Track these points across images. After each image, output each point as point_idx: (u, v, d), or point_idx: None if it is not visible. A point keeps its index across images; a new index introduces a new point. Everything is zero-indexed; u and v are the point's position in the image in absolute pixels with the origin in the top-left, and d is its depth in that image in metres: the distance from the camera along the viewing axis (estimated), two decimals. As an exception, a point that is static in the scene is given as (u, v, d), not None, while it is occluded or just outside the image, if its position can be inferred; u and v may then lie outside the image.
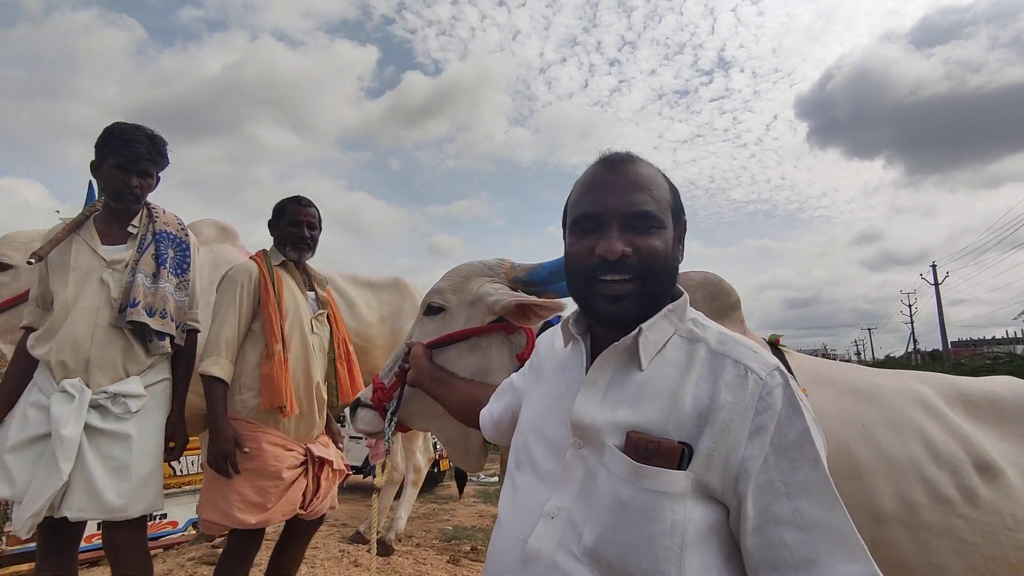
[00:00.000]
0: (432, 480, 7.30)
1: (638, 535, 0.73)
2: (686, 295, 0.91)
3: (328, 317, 2.36)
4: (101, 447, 1.81)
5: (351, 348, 2.43)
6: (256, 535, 2.15)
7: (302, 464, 2.16)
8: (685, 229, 0.93)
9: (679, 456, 0.74)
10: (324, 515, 2.34)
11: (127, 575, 1.87)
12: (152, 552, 3.62)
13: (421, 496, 6.59)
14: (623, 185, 0.87)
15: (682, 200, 0.94)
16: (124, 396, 1.86)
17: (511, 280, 1.53)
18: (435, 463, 7.11)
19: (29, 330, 1.96)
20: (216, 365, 2.04)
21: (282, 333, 2.11)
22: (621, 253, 0.83)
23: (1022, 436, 1.39)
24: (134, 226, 2.02)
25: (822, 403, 1.37)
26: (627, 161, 0.90)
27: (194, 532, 4.19)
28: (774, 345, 1.58)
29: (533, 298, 1.39)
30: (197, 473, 4.41)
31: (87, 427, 1.79)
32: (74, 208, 2.13)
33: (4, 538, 3.50)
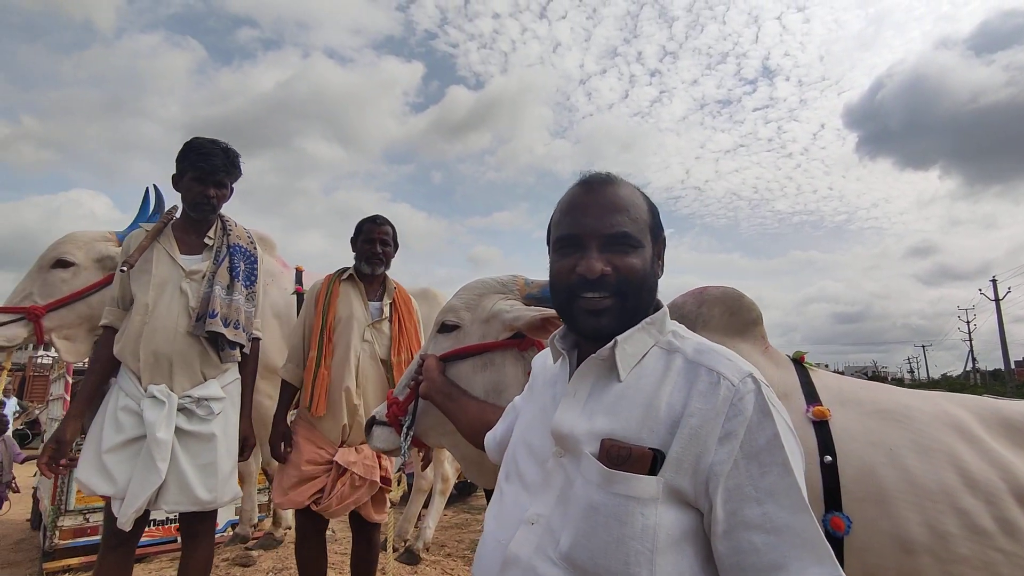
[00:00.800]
0: (465, 490, 7.30)
1: (608, 539, 0.75)
2: (665, 308, 0.94)
3: (393, 323, 2.46)
4: (189, 447, 1.97)
5: (414, 356, 2.45)
6: (309, 515, 2.37)
7: (328, 463, 2.30)
8: (664, 245, 0.97)
9: (650, 462, 0.76)
10: (377, 522, 2.46)
11: (202, 556, 2.09)
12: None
13: (454, 506, 6.62)
14: (601, 207, 0.91)
15: (662, 218, 0.98)
16: (208, 400, 2.01)
17: (524, 297, 1.53)
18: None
19: (109, 329, 2.10)
20: (283, 368, 2.46)
21: (321, 341, 2.34)
22: (601, 272, 0.87)
23: (1066, 466, 1.30)
24: (210, 237, 2.17)
25: (847, 424, 1.32)
26: (605, 183, 0.94)
27: (231, 533, 4.30)
28: (797, 362, 1.53)
29: (554, 312, 1.36)
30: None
31: (176, 429, 1.94)
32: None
33: (57, 532, 3.68)
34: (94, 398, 2.05)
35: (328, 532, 2.62)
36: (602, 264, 0.88)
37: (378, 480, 2.33)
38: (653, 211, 0.96)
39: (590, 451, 0.81)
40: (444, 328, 1.54)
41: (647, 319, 0.90)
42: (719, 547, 0.74)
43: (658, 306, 0.94)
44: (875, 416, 1.35)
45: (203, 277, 2.09)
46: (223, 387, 2.08)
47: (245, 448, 2.18)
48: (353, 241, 2.54)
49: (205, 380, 2.05)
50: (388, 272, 2.57)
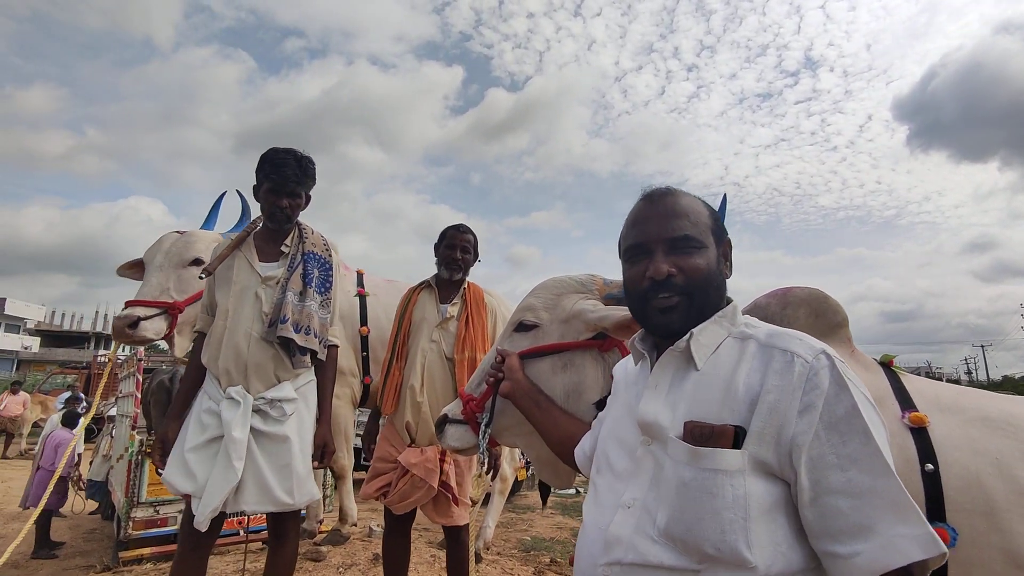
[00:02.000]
0: (511, 489, 7.33)
1: (703, 511, 0.80)
2: (735, 303, 1.00)
3: (460, 321, 2.49)
4: (265, 447, 2.00)
5: (477, 354, 2.45)
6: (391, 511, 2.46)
7: (396, 461, 2.38)
8: (730, 247, 1.04)
9: (732, 436, 0.82)
10: (460, 526, 2.49)
11: (288, 555, 2.15)
12: (254, 545, 3.88)
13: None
14: (663, 215, 0.99)
15: (724, 221, 1.06)
16: (280, 401, 2.05)
17: (604, 296, 1.49)
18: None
19: (200, 335, 2.18)
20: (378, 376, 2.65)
21: (395, 345, 2.51)
22: (667, 273, 0.95)
23: None
24: (287, 245, 2.21)
25: (948, 432, 1.27)
26: (665, 194, 1.03)
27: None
28: (886, 366, 1.47)
29: None
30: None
31: (252, 430, 1.99)
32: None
33: (131, 523, 3.86)
34: (191, 400, 2.12)
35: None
36: (668, 266, 0.95)
37: (436, 485, 2.33)
38: (714, 215, 1.02)
39: (675, 435, 0.87)
40: (522, 327, 1.51)
41: (719, 313, 0.97)
42: (807, 514, 0.78)
43: (728, 301, 1.00)
44: (977, 424, 1.29)
45: (277, 283, 2.13)
46: (296, 389, 2.11)
47: (325, 455, 2.19)
48: (436, 247, 2.62)
49: (279, 383, 2.08)
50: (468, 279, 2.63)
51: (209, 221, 3.38)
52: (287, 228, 2.24)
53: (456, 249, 2.55)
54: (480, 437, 1.43)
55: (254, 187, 2.20)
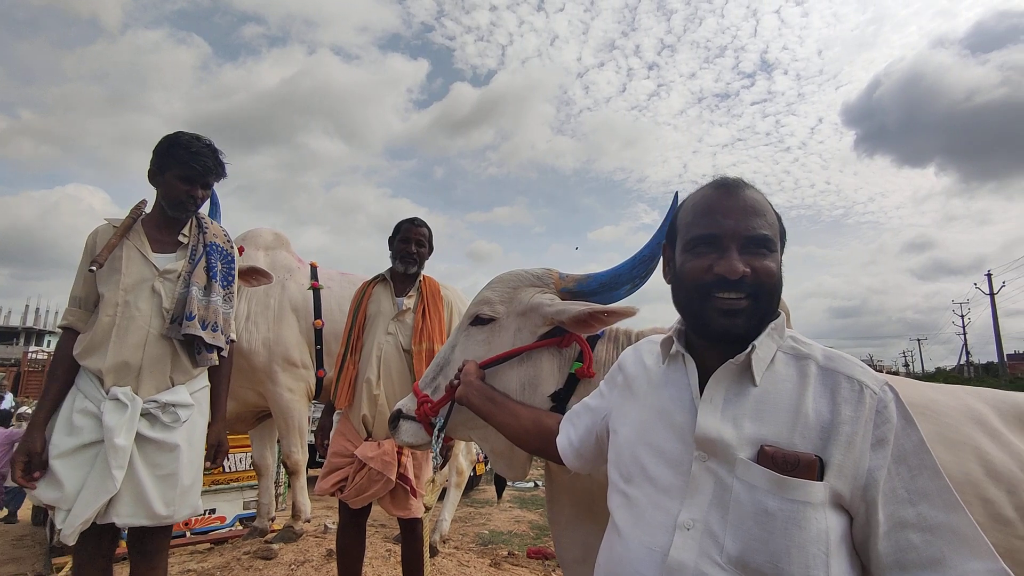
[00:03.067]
0: (469, 483, 7.36)
1: (790, 543, 0.77)
2: (783, 314, 0.96)
3: (417, 313, 2.50)
4: (149, 455, 1.82)
5: (435, 345, 2.47)
6: (345, 505, 2.47)
7: (352, 455, 2.37)
8: (784, 250, 0.98)
9: (817, 468, 0.80)
10: (416, 518, 2.52)
11: (161, 573, 1.92)
12: (202, 546, 3.79)
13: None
14: (741, 209, 0.92)
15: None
16: (175, 406, 1.88)
17: (560, 290, 1.50)
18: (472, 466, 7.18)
19: (68, 331, 1.93)
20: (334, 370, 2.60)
21: (349, 339, 2.52)
22: (742, 274, 0.89)
23: (1083, 457, 1.35)
24: (184, 235, 2.04)
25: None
26: (742, 187, 0.95)
27: (242, 527, 4.33)
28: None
29: (603, 306, 1.37)
30: (246, 470, 4.56)
31: (137, 435, 1.80)
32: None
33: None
34: (59, 404, 1.88)
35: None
36: (742, 265, 0.89)
37: (394, 478, 2.34)
38: (780, 218, 0.97)
39: (746, 456, 0.83)
40: (478, 320, 1.50)
41: (771, 325, 0.93)
42: (880, 547, 0.78)
43: (777, 313, 0.96)
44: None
45: (178, 277, 1.97)
46: (192, 394, 1.95)
47: (219, 454, 2.08)
48: (391, 240, 2.62)
49: (173, 386, 1.91)
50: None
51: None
52: (187, 219, 2.08)
53: (411, 243, 2.56)
54: (434, 441, 1.42)
55: (151, 170, 2.01)
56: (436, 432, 1.42)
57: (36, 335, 36.32)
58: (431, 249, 2.64)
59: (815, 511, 0.78)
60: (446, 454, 2.51)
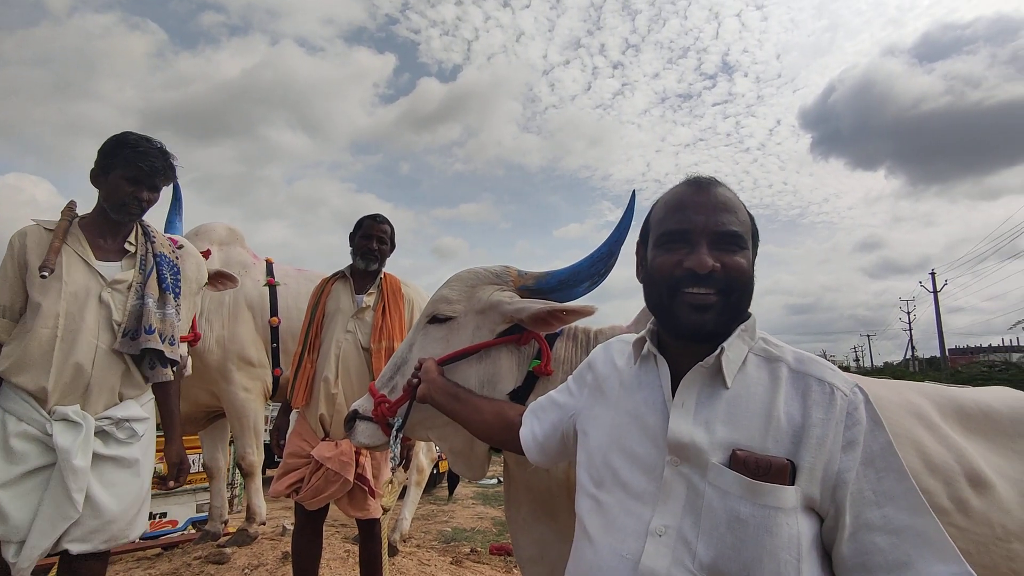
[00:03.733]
0: (431, 481, 7.32)
1: (761, 550, 0.76)
2: (754, 316, 0.96)
3: (377, 311, 2.46)
4: (107, 474, 1.74)
5: (394, 343, 2.43)
6: (301, 506, 2.42)
7: (308, 456, 2.32)
8: (757, 251, 0.98)
9: (788, 472, 0.79)
10: (374, 519, 2.49)
11: None
12: (151, 552, 3.66)
13: (420, 497, 6.63)
14: (712, 206, 0.92)
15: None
16: (129, 421, 1.80)
17: (519, 288, 1.50)
18: (434, 464, 7.14)
19: None
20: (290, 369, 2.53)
21: (307, 337, 2.46)
22: (711, 268, 0.89)
23: (1013, 449, 1.42)
24: (131, 243, 1.94)
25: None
26: (714, 184, 0.96)
27: (195, 531, 4.21)
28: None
29: (562, 304, 1.37)
30: (197, 472, 4.43)
31: (92, 455, 1.71)
32: (82, 205, 1.97)
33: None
34: None
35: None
36: (712, 260, 0.89)
37: (351, 478, 2.30)
38: (752, 219, 0.98)
39: (718, 461, 0.82)
40: (436, 319, 1.49)
41: (741, 326, 0.92)
42: (844, 549, 0.78)
43: (747, 314, 0.96)
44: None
45: (129, 288, 1.85)
46: (142, 406, 1.88)
47: (181, 472, 2.00)
48: (352, 236, 2.57)
49: (122, 401, 1.83)
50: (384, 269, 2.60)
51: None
52: (131, 223, 1.96)
53: (372, 239, 2.52)
54: (392, 442, 1.39)
55: (94, 171, 1.89)
56: (394, 432, 1.38)
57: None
58: (393, 246, 2.60)
59: (787, 516, 0.77)
60: (406, 455, 2.50)
